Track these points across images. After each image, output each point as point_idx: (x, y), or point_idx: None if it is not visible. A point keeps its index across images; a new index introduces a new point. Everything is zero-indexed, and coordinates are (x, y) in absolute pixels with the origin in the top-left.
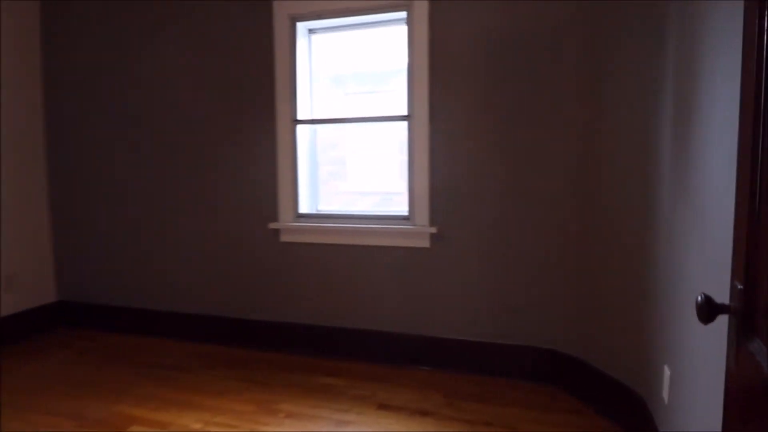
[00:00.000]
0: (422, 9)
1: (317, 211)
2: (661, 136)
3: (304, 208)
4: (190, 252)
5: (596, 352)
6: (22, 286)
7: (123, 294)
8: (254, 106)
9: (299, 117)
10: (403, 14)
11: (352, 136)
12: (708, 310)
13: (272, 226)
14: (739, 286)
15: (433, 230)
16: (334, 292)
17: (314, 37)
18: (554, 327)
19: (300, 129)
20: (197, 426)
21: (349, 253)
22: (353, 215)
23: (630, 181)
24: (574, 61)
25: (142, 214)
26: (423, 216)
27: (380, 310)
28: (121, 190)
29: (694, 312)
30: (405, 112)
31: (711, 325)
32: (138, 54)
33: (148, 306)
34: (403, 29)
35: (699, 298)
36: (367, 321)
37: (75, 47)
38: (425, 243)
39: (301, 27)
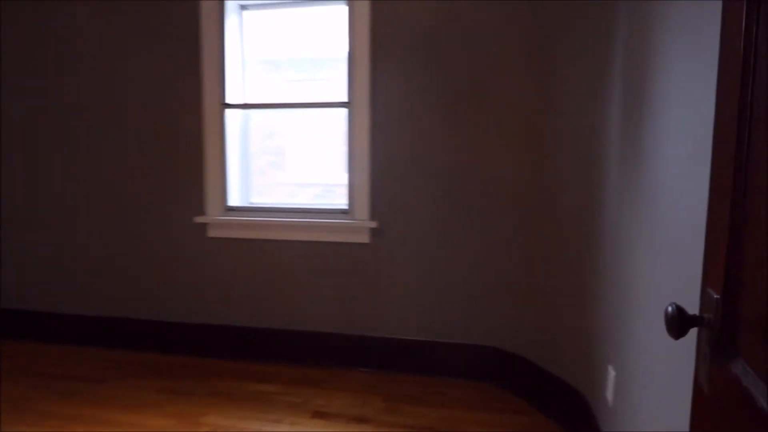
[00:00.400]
0: None
1: (249, 204)
2: (610, 130)
3: (234, 200)
4: (107, 248)
5: (539, 350)
6: None
7: (31, 296)
8: (179, 88)
9: (229, 101)
10: None
11: (292, 125)
12: (680, 323)
13: (198, 220)
14: (715, 296)
15: (374, 225)
16: (266, 292)
17: (246, 13)
18: (497, 324)
19: (230, 114)
20: None
21: (284, 249)
22: (288, 208)
23: (576, 177)
24: (520, 50)
25: (56, 208)
26: (363, 210)
27: (316, 309)
28: (36, 180)
29: (642, 314)
30: (345, 99)
31: (660, 328)
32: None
33: (59, 310)
34: (344, 9)
35: (669, 309)
36: (302, 321)
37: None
38: (365, 238)
39: (232, 3)
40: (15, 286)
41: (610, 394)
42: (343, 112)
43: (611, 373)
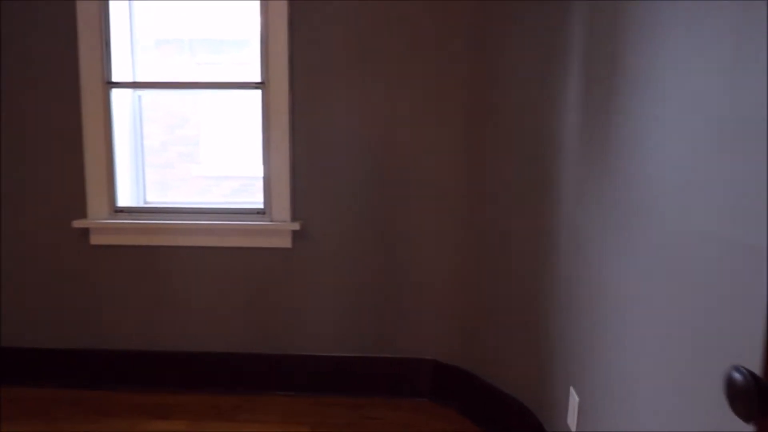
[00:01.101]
0: None
1: (145, 203)
2: (565, 123)
3: (125, 200)
4: None
5: (485, 365)
6: None
7: None
8: (49, 62)
9: (115, 78)
10: None
11: (205, 113)
12: (758, 398)
13: (78, 224)
14: None
15: (296, 227)
16: (165, 309)
17: None
18: (435, 335)
19: (117, 95)
20: None
21: (187, 257)
22: (192, 209)
23: (527, 172)
24: (462, 27)
25: None
26: (283, 209)
27: (228, 327)
28: None
29: (614, 333)
30: (259, 78)
31: (641, 350)
32: None
33: None
34: None
35: (736, 376)
36: (211, 342)
37: None
38: (286, 243)
39: None
40: None
41: (572, 421)
42: (258, 94)
43: (574, 397)
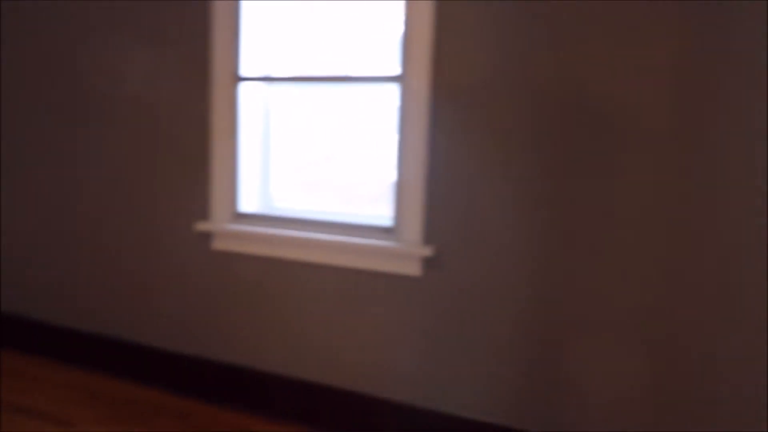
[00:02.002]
0: None
1: (267, 209)
2: None
3: (248, 204)
4: (94, 253)
5: None
6: None
7: (37, 306)
8: (182, 57)
9: (243, 73)
10: None
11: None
12: None
13: (201, 227)
14: None
15: (427, 252)
16: (278, 328)
17: None
18: (620, 409)
19: (245, 90)
20: None
21: (305, 273)
22: (316, 221)
23: None
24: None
25: (54, 214)
26: (413, 229)
27: (340, 359)
28: (42, 181)
29: None
30: (396, 71)
31: None
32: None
33: (67, 325)
34: None
35: None
36: (315, 371)
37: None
38: (414, 270)
39: None
40: (22, 293)
41: None
42: (393, 89)
43: None
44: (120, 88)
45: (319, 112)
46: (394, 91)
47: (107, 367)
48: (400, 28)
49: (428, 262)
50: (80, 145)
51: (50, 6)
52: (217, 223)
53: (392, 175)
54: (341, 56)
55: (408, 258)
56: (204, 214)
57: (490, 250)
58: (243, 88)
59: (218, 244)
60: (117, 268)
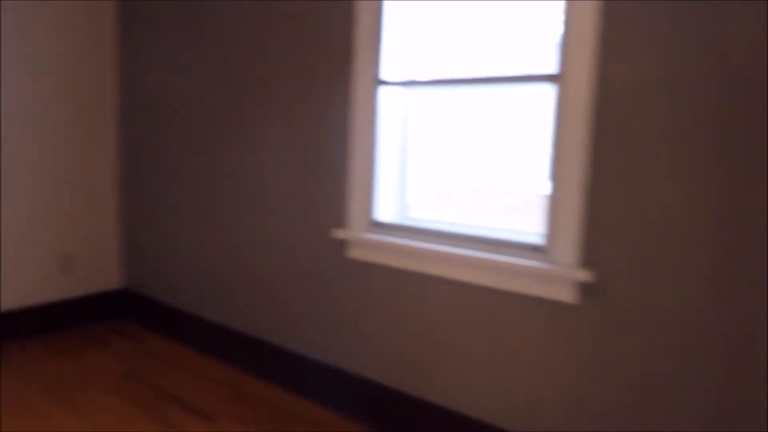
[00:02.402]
0: None
1: (405, 220)
2: None
3: (384, 213)
4: (242, 257)
5: None
6: (81, 268)
7: (181, 295)
8: (324, 61)
9: (384, 77)
10: None
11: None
12: None
13: (337, 234)
14: None
15: (585, 277)
16: (412, 347)
17: None
18: None
19: (385, 94)
20: None
21: (441, 290)
22: (455, 234)
23: None
24: None
25: (200, 207)
26: (568, 248)
27: (467, 385)
28: (181, 173)
29: None
30: (553, 70)
31: None
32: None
33: (210, 319)
34: None
35: None
36: (445, 396)
37: (148, 29)
38: (567, 295)
39: None
40: (140, 267)
41: None
42: (549, 89)
43: None
44: (265, 91)
45: (460, 116)
46: (547, 92)
47: (251, 366)
48: (557, 25)
49: (586, 288)
50: (225, 147)
51: (192, 8)
52: (353, 232)
53: (539, 185)
54: (487, 57)
55: (560, 282)
56: (340, 221)
57: (669, 275)
58: (383, 92)
59: (353, 253)
60: (256, 268)
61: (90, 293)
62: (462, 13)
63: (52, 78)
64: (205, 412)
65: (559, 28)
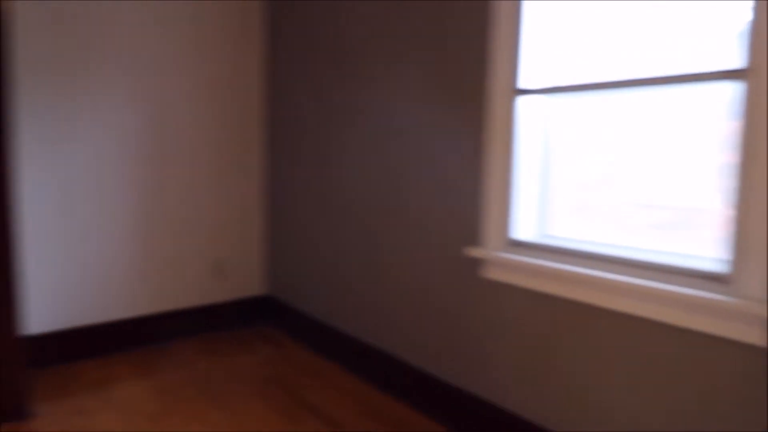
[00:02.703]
0: None
1: (545, 239)
2: None
3: (523, 231)
4: (378, 272)
5: None
6: (231, 274)
7: (317, 305)
8: (458, 69)
9: (523, 85)
10: None
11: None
12: None
13: (470, 252)
14: None
15: None
16: (550, 377)
17: None
18: None
19: (524, 103)
20: None
21: (591, 321)
22: (606, 256)
23: None
24: None
25: (338, 220)
26: (759, 278)
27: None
28: (321, 187)
29: None
30: (737, 64)
31: None
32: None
33: (343, 330)
34: None
35: None
36: None
37: (296, 37)
38: (755, 337)
39: None
40: (281, 276)
41: None
42: (730, 88)
43: None
44: (392, 102)
45: (606, 123)
46: (724, 90)
47: (381, 381)
48: (739, 12)
49: None
50: (364, 162)
51: (323, 10)
52: (489, 250)
53: (700, 198)
54: (642, 56)
55: (749, 319)
56: (475, 238)
57: None
58: (522, 101)
59: (488, 273)
60: (390, 283)
61: (238, 298)
62: (612, 9)
63: (207, 98)
64: (338, 422)
65: (743, 15)
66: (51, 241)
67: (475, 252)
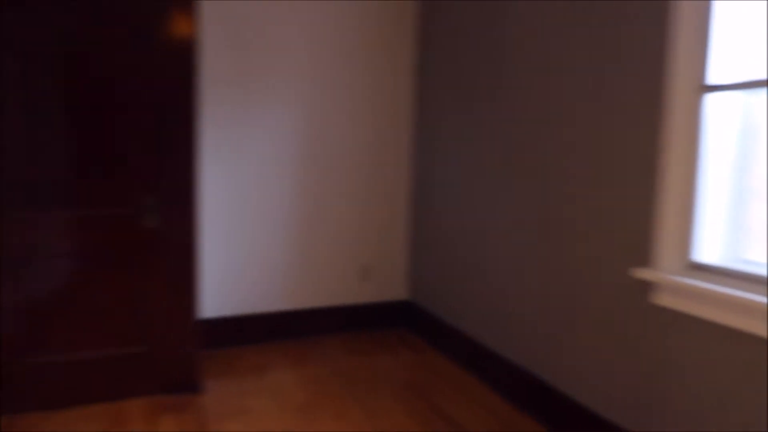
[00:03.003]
0: None
1: (737, 263)
2: None
3: (707, 253)
4: (527, 288)
5: None
6: (376, 277)
7: (458, 314)
8: (630, 64)
9: (710, 80)
10: None
11: None
12: None
13: (639, 274)
14: None
15: None
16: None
17: None
18: None
19: (712, 101)
20: None
21: None
22: None
23: None
24: None
25: (485, 229)
26: None
27: None
28: (467, 196)
29: None
30: None
31: None
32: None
33: (488, 345)
34: None
35: None
36: None
37: (446, 44)
38: None
39: None
40: (424, 282)
41: None
42: None
43: None
44: (550, 102)
45: None
46: None
47: (524, 402)
48: None
49: None
50: (515, 171)
51: (483, 8)
52: (662, 273)
53: None
54: None
55: None
56: (645, 258)
57: None
58: (710, 99)
59: (660, 299)
60: (541, 301)
61: (381, 301)
62: None
63: (360, 103)
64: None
65: None
66: (223, 237)
67: (644, 274)
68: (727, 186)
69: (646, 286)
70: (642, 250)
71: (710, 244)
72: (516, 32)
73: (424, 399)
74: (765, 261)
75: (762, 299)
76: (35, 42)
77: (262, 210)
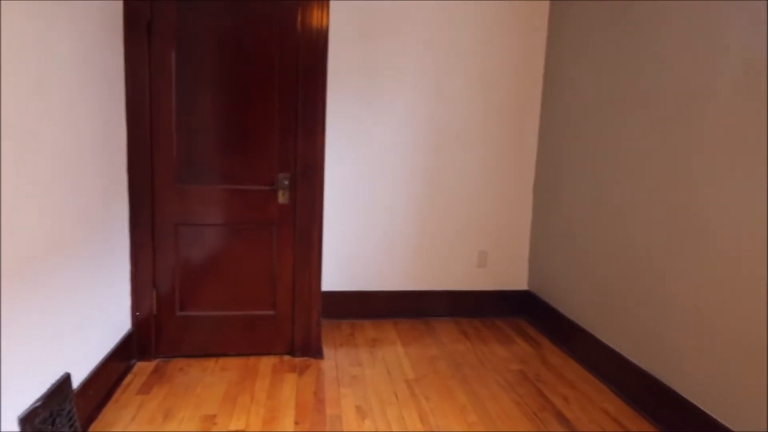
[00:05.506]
0: None
1: None
2: None
3: None
4: (656, 289)
5: None
6: (494, 265)
7: (577, 309)
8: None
9: None
10: None
11: None
12: None
13: None
14: None
15: None
16: None
17: None
18: None
19: None
20: None
21: None
22: None
23: None
24: None
25: (615, 225)
26: None
27: None
28: (594, 189)
29: None
30: None
31: None
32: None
33: (599, 336)
34: None
35: None
36: None
37: (580, 45)
38: None
39: None
40: (545, 274)
41: None
42: None
43: None
44: (689, 88)
45: None
46: None
47: (648, 409)
48: None
49: None
50: (648, 170)
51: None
52: None
53: None
54: None
55: None
56: None
57: None
58: None
59: None
60: (672, 303)
61: (499, 289)
62: None
63: (487, 94)
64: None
65: None
66: (347, 217)
67: None
68: None
69: None
70: None
71: None
72: (660, 28)
73: (540, 396)
74: None
75: None
76: (197, 33)
77: (384, 194)
